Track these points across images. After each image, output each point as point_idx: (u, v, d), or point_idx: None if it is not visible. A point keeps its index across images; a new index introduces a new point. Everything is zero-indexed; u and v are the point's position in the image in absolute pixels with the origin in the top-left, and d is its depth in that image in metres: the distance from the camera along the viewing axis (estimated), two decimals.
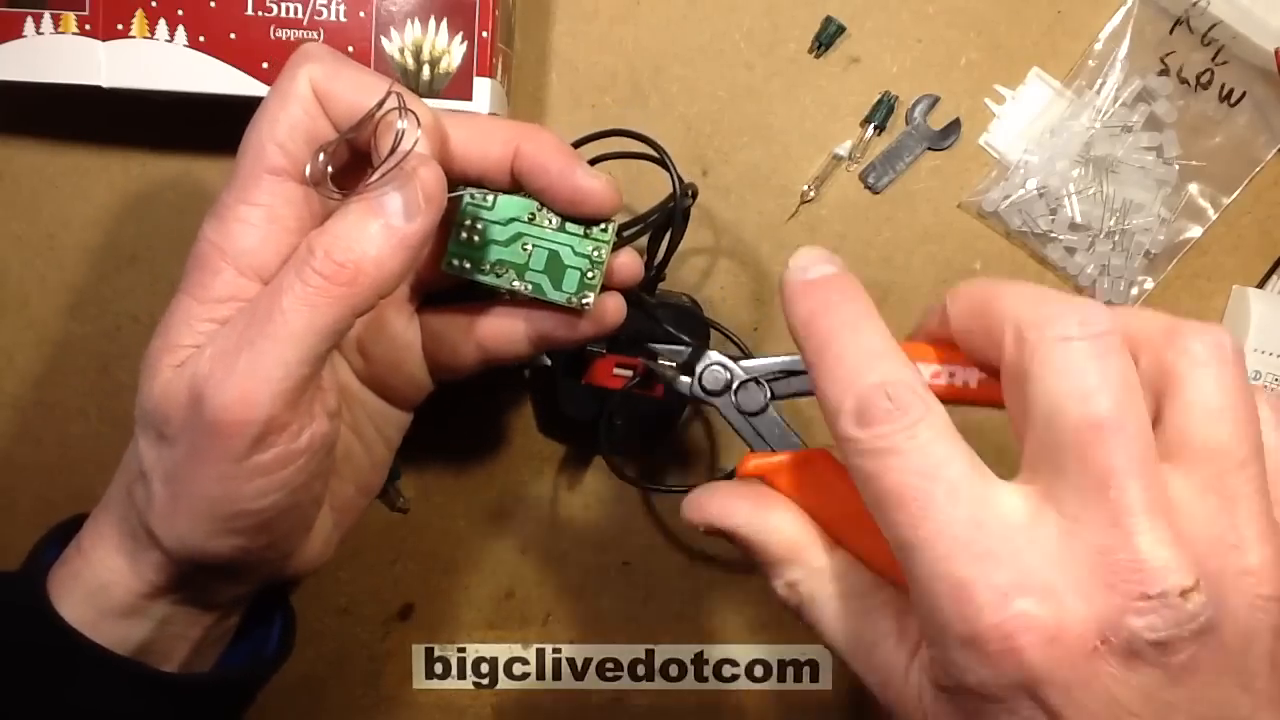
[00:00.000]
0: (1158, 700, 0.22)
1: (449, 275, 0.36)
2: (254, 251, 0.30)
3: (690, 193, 0.39)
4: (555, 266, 0.35)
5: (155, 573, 0.32)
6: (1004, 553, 0.23)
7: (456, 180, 0.34)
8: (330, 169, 0.30)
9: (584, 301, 0.35)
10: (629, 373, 0.40)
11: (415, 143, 0.29)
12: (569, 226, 0.35)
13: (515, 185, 0.35)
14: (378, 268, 0.29)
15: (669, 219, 0.39)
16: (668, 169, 0.38)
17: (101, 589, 0.32)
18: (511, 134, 0.34)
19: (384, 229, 0.29)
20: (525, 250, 0.35)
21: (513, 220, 0.35)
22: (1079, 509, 0.23)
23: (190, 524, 0.30)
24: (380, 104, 0.30)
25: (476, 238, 0.35)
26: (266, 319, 0.28)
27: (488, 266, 0.35)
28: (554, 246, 0.35)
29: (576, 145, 0.39)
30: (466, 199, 0.35)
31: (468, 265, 0.36)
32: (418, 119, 0.29)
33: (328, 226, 0.29)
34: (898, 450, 0.24)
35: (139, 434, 0.31)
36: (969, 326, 0.28)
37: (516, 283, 0.35)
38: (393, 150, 0.29)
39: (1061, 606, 0.22)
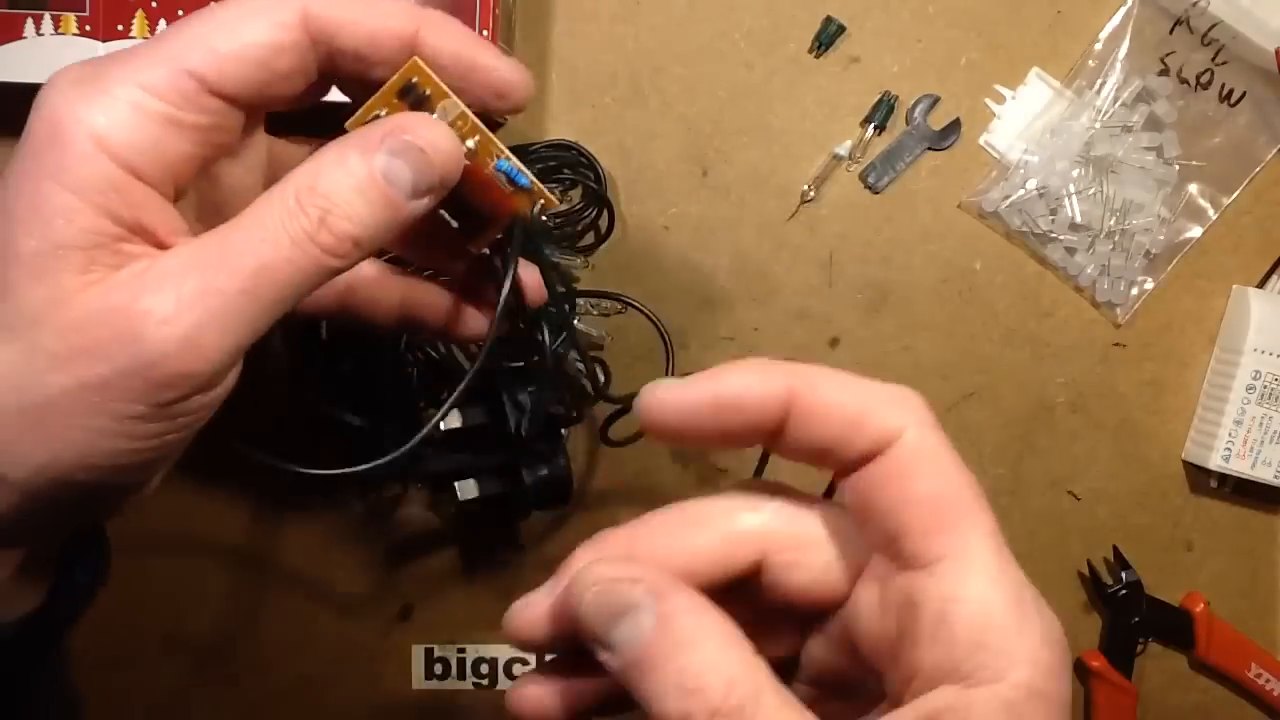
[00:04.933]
0: None
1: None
2: (135, 147, 0.25)
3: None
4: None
5: None
6: None
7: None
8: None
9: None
10: None
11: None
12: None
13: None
14: (371, 243, 0.27)
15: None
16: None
17: None
18: (411, 20, 0.28)
19: (386, 204, 0.27)
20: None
21: None
22: None
23: (54, 451, 0.25)
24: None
25: None
26: (239, 269, 0.25)
27: None
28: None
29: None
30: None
31: None
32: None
33: (323, 181, 0.26)
34: None
35: None
36: None
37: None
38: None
39: None
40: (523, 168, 0.30)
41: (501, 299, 0.31)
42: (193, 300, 0.25)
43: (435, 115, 0.29)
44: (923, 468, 0.23)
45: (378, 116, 0.29)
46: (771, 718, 0.21)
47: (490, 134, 0.29)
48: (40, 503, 0.26)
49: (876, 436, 0.23)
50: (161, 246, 0.26)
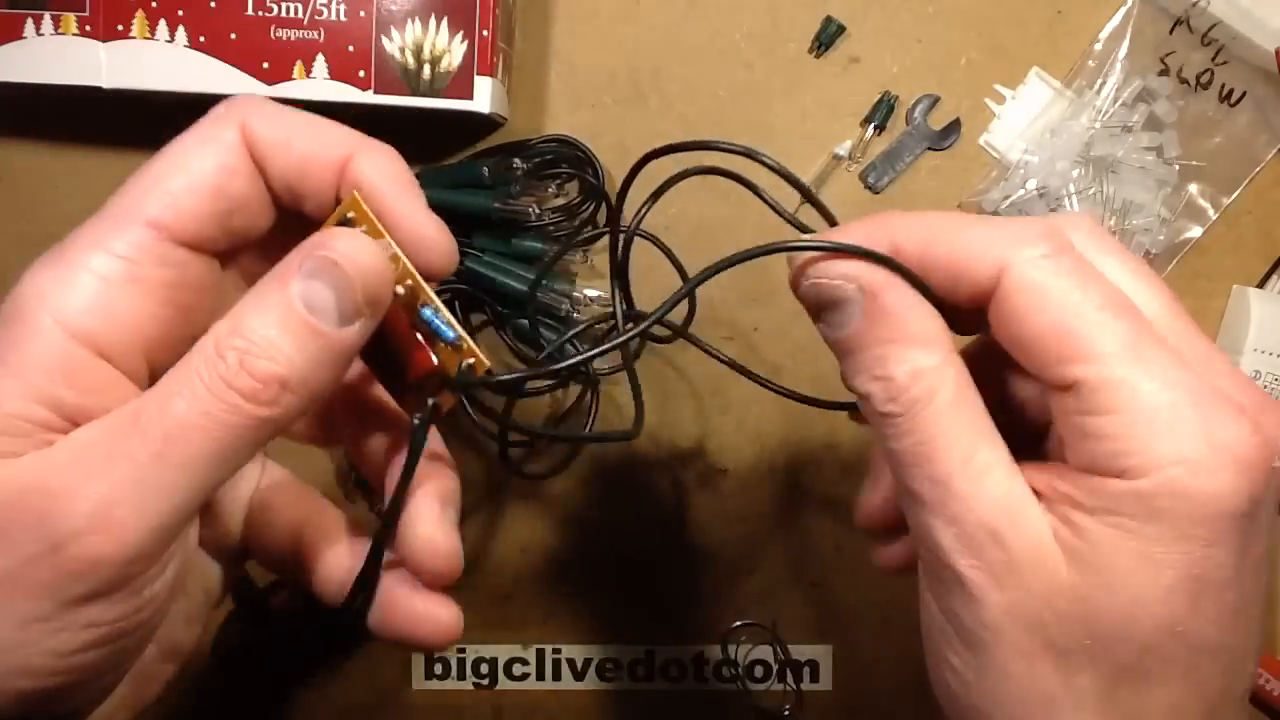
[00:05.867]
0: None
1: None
2: (96, 314, 0.23)
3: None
4: None
5: None
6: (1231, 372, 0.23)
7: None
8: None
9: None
10: None
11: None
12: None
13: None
14: (304, 384, 0.23)
15: None
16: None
17: None
18: (348, 144, 0.26)
19: (313, 335, 0.23)
20: None
21: None
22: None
23: None
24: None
25: None
26: (150, 432, 0.22)
27: None
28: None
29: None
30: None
31: None
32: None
33: (244, 322, 0.23)
34: None
35: None
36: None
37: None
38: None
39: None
40: (452, 320, 0.26)
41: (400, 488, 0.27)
42: (100, 469, 0.22)
43: None
44: (1030, 303, 0.23)
45: None
46: (939, 415, 0.23)
47: (423, 281, 0.26)
48: None
49: (977, 283, 0.24)
50: None
